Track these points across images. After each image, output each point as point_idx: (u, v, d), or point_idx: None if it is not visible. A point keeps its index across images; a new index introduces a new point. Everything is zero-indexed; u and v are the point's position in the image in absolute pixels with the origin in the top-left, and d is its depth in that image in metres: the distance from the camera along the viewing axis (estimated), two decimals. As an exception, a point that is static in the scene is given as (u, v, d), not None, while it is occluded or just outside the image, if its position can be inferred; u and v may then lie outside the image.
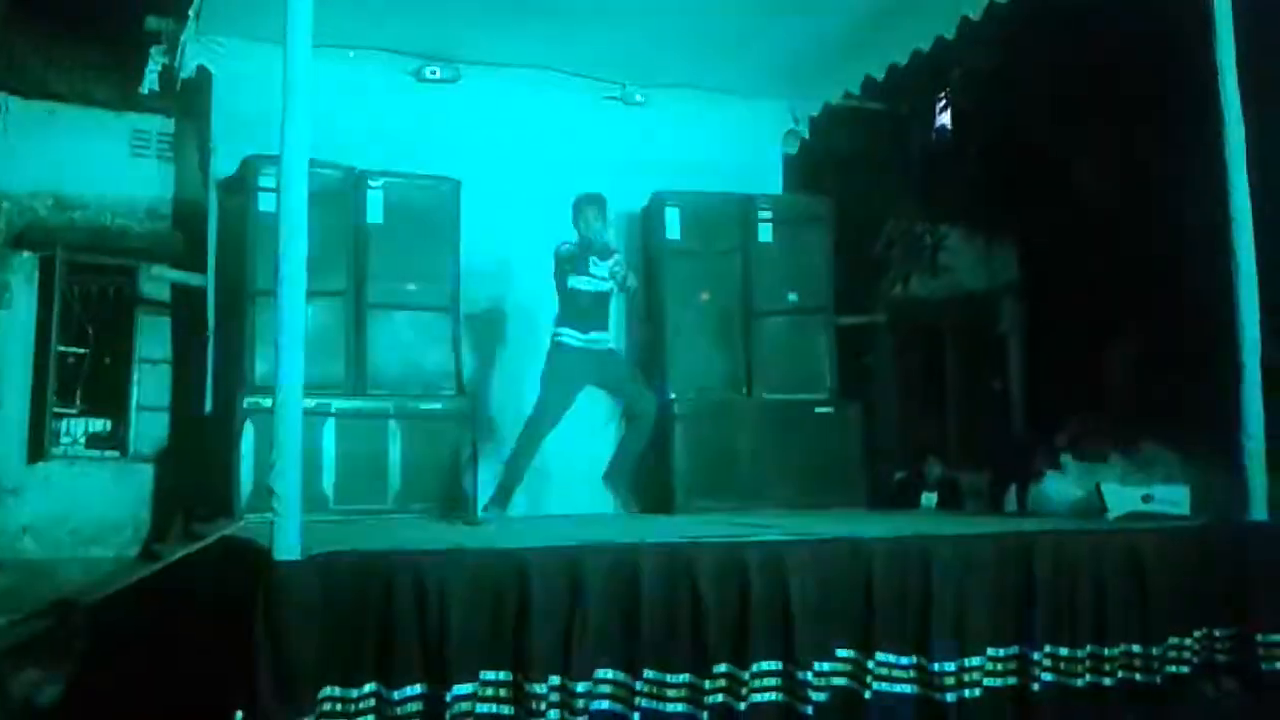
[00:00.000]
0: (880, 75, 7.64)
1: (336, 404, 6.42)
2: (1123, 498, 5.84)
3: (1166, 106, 8.22)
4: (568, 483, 6.95)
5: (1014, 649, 4.84)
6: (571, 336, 6.42)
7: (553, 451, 6.56)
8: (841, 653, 4.53)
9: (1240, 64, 5.56)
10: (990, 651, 4.77)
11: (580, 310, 6.45)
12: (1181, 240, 8.25)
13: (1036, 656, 4.83)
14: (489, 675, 4.03)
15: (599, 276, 6.44)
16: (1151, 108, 8.56)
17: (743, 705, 4.28)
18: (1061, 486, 6.29)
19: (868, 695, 4.52)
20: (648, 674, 4.22)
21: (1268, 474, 5.45)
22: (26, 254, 7.62)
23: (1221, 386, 5.62)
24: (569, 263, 6.41)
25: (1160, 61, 7.81)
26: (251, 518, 5.45)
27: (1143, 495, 5.84)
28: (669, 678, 4.25)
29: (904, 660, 4.62)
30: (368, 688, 3.88)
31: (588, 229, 6.49)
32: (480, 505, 6.47)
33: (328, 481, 6.30)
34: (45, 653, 5.41)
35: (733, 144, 8.23)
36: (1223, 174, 5.53)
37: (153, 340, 7.94)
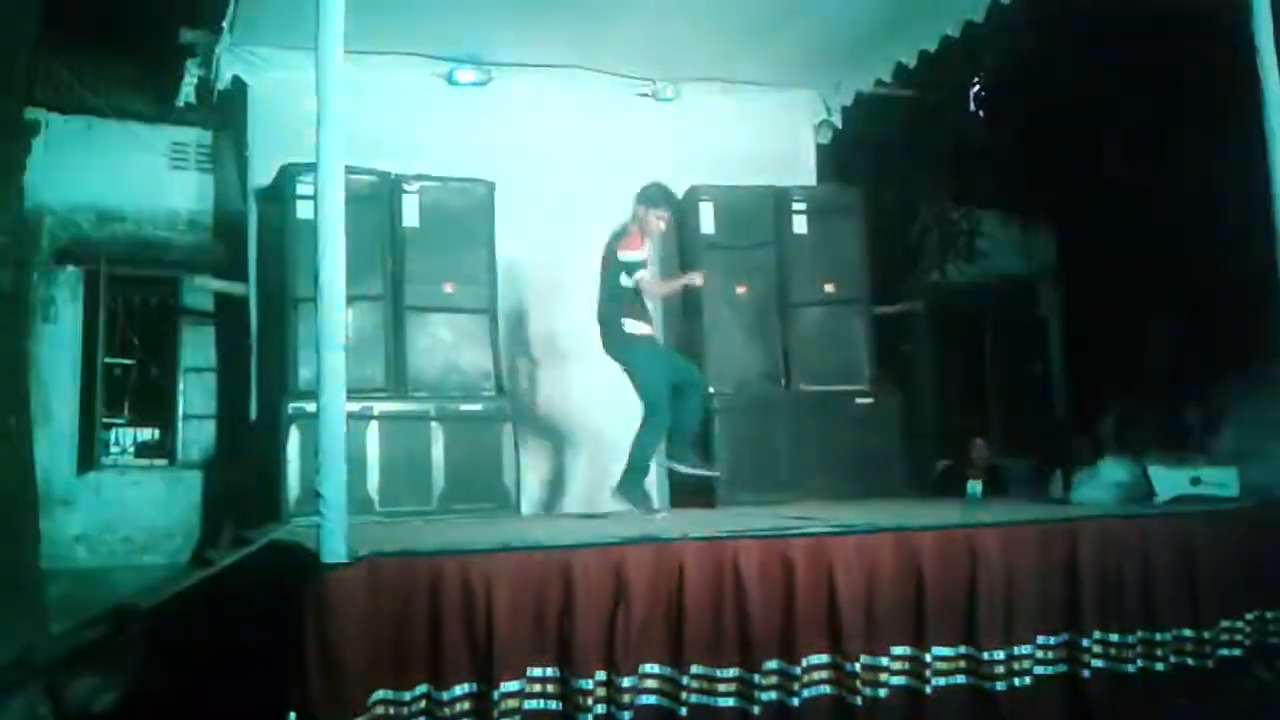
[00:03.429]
0: (911, 62, 7.59)
1: (379, 407, 6.48)
2: (1170, 481, 5.78)
3: (1201, 85, 8.12)
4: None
5: (1063, 636, 4.82)
6: (641, 328, 6.17)
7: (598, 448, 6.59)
8: (897, 650, 4.52)
9: (1278, 40, 5.47)
10: (1040, 640, 4.75)
11: (637, 303, 6.20)
12: (1220, 219, 8.16)
13: (1086, 643, 4.81)
14: (536, 672, 4.06)
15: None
16: (1186, 86, 8.45)
17: (796, 701, 4.29)
18: (1108, 470, 6.22)
19: (928, 690, 4.51)
20: (695, 669, 4.23)
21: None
22: (70, 268, 7.72)
23: (1266, 364, 5.55)
24: (626, 266, 6.13)
25: (1194, 39, 7.71)
26: (299, 521, 5.51)
27: (1190, 478, 5.77)
28: (718, 672, 4.25)
29: (954, 651, 4.60)
30: (419, 690, 3.92)
31: (654, 228, 6.30)
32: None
33: (372, 484, 6.36)
34: (101, 659, 5.50)
35: (765, 136, 8.21)
36: (1262, 152, 5.46)
37: (197, 349, 8.04)
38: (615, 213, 6.58)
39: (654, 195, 6.22)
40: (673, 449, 6.23)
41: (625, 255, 6.10)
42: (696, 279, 6.53)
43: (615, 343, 6.11)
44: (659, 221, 6.25)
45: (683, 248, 7.80)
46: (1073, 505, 5.98)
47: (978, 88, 9.58)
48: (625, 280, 6.08)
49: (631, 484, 6.00)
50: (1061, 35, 8.79)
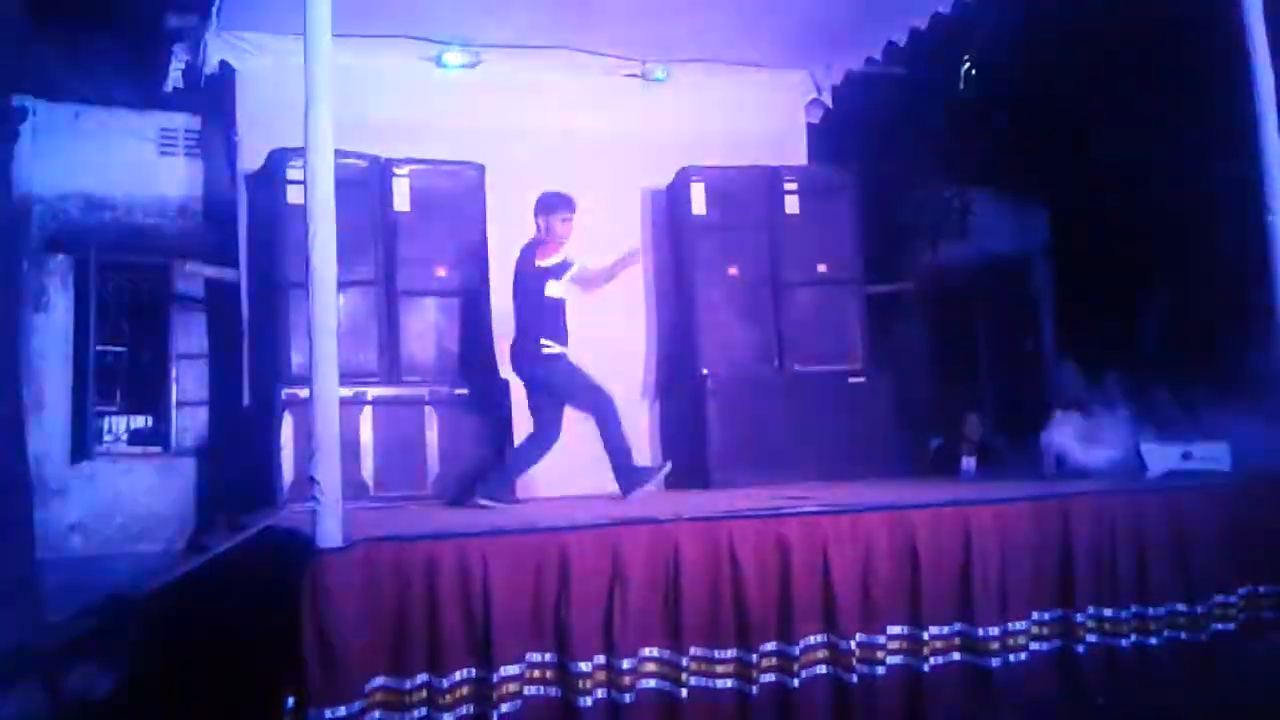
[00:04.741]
0: (902, 40, 7.58)
1: (372, 392, 6.48)
2: (1162, 455, 5.80)
3: (1194, 60, 8.10)
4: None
5: (1058, 612, 4.85)
6: (557, 348, 6.04)
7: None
8: (894, 629, 4.53)
9: (1267, 15, 5.48)
10: (1034, 615, 4.77)
11: (559, 320, 6.09)
12: (1213, 194, 8.16)
13: (1080, 619, 4.84)
14: (534, 657, 4.07)
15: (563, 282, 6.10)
16: (1178, 63, 8.44)
17: (796, 682, 4.30)
18: (1099, 446, 6.25)
19: (926, 668, 4.53)
20: (694, 651, 4.25)
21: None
22: (61, 256, 7.68)
23: (1258, 340, 5.56)
24: (551, 272, 6.02)
25: (1186, 14, 7.69)
26: (294, 507, 5.51)
27: (1182, 452, 5.79)
28: (716, 653, 4.27)
29: (950, 628, 4.62)
30: (420, 678, 3.92)
31: (563, 232, 6.13)
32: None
33: (367, 469, 6.36)
34: (98, 648, 5.51)
35: (756, 116, 8.21)
36: (1253, 126, 5.46)
37: (189, 336, 8.00)
38: (606, 194, 6.58)
39: (551, 201, 6.15)
40: (621, 480, 6.05)
41: (546, 262, 6.02)
42: (635, 256, 6.33)
43: (532, 360, 6.04)
44: (565, 225, 6.13)
45: (675, 229, 7.81)
46: (1065, 482, 6.00)
47: (969, 65, 9.55)
48: (553, 289, 6.02)
49: (499, 488, 5.98)
50: (1052, 11, 8.76)
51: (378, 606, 3.88)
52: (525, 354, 6.08)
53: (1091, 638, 4.86)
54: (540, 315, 6.03)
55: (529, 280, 6.07)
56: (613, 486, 6.03)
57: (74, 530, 7.46)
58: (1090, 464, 6.15)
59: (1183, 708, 4.84)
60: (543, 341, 6.00)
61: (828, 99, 8.54)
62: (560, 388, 6.07)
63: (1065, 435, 6.40)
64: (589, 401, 6.08)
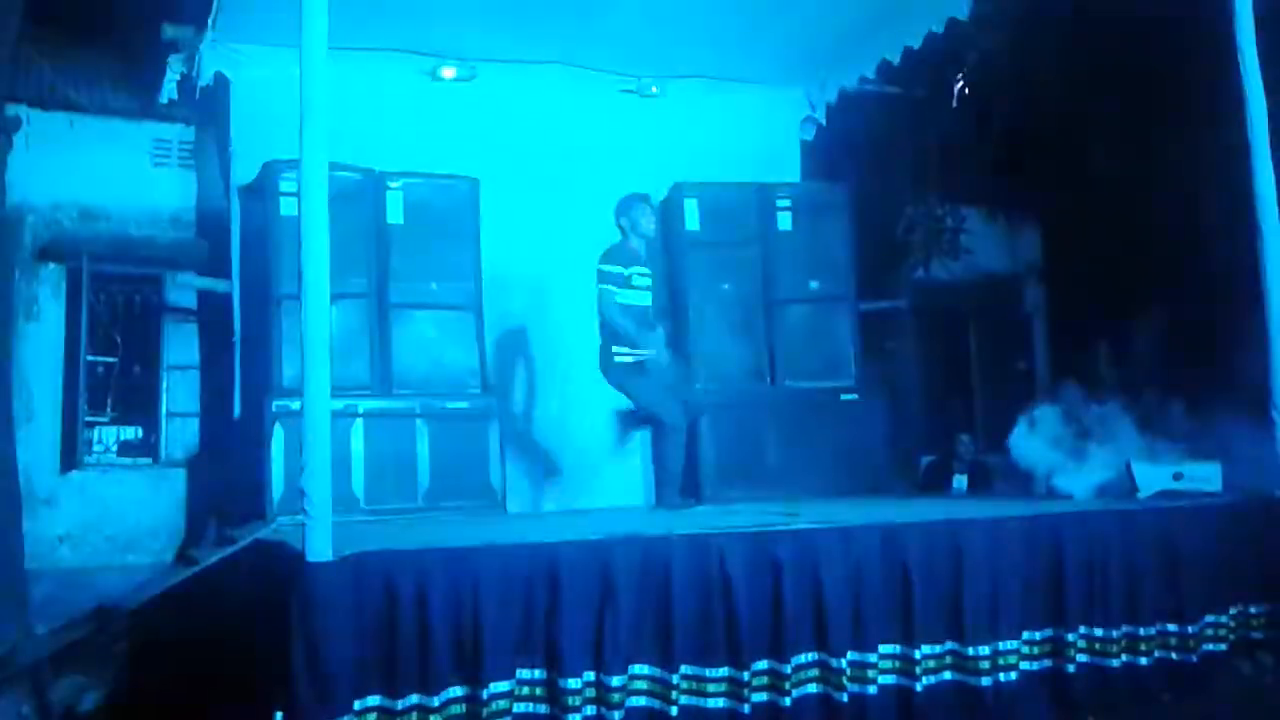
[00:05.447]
0: (896, 59, 7.61)
1: (364, 405, 6.46)
2: (1153, 476, 5.80)
3: (1184, 81, 8.16)
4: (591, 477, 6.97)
5: (1049, 631, 4.84)
6: (635, 355, 6.04)
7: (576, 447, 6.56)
8: (885, 648, 4.51)
9: (1259, 36, 5.51)
10: (1025, 635, 4.76)
11: (639, 324, 6.07)
12: (1204, 215, 8.20)
13: (1071, 638, 4.82)
14: (524, 674, 4.04)
15: (644, 287, 6.16)
16: (1169, 83, 8.49)
17: (788, 701, 4.28)
18: (1089, 468, 6.25)
19: (918, 688, 4.51)
20: (685, 669, 4.22)
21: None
22: (53, 266, 7.69)
23: (1249, 361, 5.58)
24: (612, 279, 6.04)
25: (1177, 36, 7.74)
26: (283, 520, 5.49)
27: (1173, 473, 5.80)
28: (707, 672, 4.24)
29: (940, 647, 4.61)
30: (412, 699, 3.88)
31: (647, 225, 6.25)
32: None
33: (357, 482, 6.34)
34: (86, 659, 5.48)
35: (750, 133, 8.22)
36: (1245, 148, 5.49)
37: (180, 347, 8.01)
38: (598, 209, 6.57)
39: (627, 201, 6.22)
40: (659, 495, 6.09)
41: (608, 267, 6.04)
42: None
43: (607, 369, 6.07)
44: (646, 219, 6.23)
45: (668, 245, 7.81)
46: (1056, 501, 6.01)
47: (962, 84, 9.60)
48: (624, 296, 6.02)
49: (670, 497, 5.99)
50: (1045, 31, 8.81)
51: (367, 621, 3.85)
52: (605, 362, 6.09)
53: (1082, 657, 4.85)
54: (614, 322, 6.02)
55: (600, 286, 6.08)
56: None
57: (62, 541, 7.44)
58: (1052, 463, 6.17)
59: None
60: (614, 350, 6.02)
61: (822, 116, 8.55)
62: (632, 394, 6.10)
63: (1038, 441, 6.41)
64: (652, 419, 6.11)
